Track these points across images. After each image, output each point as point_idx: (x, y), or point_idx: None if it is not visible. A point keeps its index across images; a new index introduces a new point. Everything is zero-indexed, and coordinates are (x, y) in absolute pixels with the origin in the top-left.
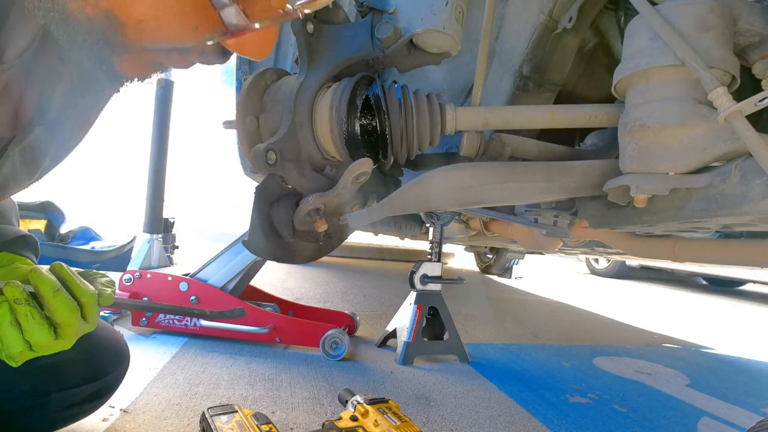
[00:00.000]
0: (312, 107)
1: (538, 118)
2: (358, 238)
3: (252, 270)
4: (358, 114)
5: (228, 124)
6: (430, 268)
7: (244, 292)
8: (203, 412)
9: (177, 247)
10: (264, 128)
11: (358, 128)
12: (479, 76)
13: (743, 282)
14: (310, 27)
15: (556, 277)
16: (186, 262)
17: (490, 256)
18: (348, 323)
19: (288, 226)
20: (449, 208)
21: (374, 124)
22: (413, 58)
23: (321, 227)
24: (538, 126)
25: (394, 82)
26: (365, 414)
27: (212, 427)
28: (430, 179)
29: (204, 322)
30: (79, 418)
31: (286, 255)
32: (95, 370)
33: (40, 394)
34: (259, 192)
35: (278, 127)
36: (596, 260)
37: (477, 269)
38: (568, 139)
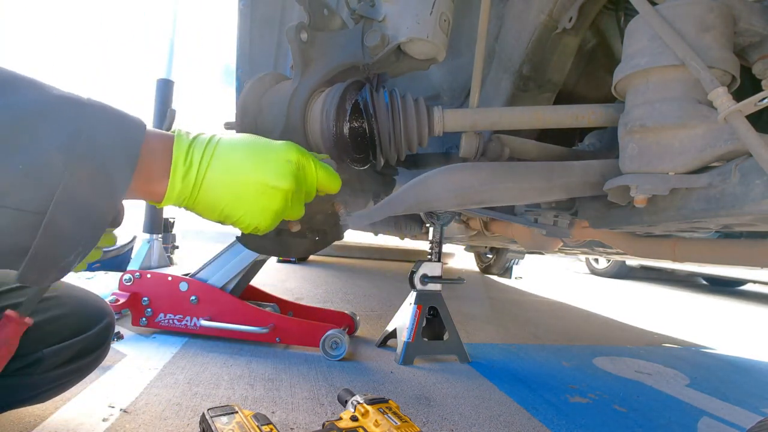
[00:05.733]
0: (304, 112)
1: (525, 118)
2: (359, 238)
3: (252, 270)
4: (348, 118)
5: (229, 125)
6: (430, 268)
7: (244, 292)
8: (203, 413)
9: (177, 247)
10: (261, 131)
11: (347, 131)
12: (476, 77)
13: (743, 282)
14: (303, 35)
15: (556, 277)
16: (186, 262)
17: (490, 256)
18: (348, 323)
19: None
20: (450, 208)
21: (363, 126)
22: (402, 64)
23: (294, 228)
24: (526, 126)
25: (383, 87)
26: (365, 414)
27: (212, 428)
28: (431, 179)
29: (204, 322)
30: (74, 382)
31: (279, 250)
32: (81, 325)
33: (32, 351)
34: None
35: (272, 130)
36: (596, 260)
37: (477, 269)
38: (568, 139)
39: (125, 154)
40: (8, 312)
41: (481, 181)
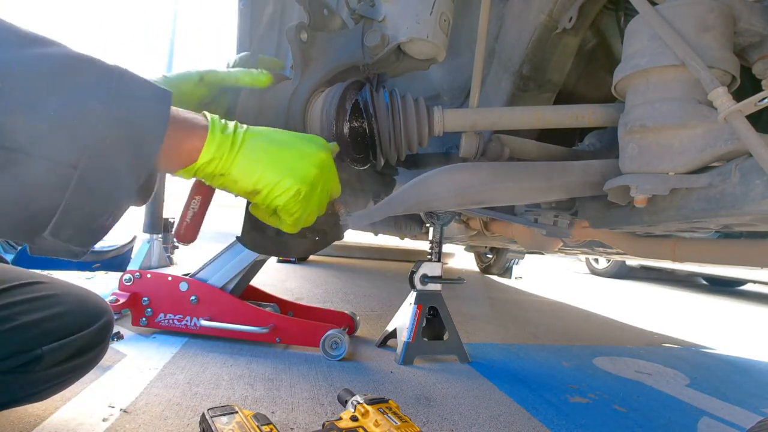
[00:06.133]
0: (304, 112)
1: (525, 118)
2: (359, 238)
3: (252, 270)
4: (347, 117)
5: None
6: (430, 268)
7: (244, 292)
8: (203, 413)
9: (177, 247)
10: None
11: (347, 131)
12: (476, 77)
13: (743, 282)
14: (303, 35)
15: (556, 277)
16: (186, 262)
17: (490, 256)
18: (348, 323)
19: None
20: (450, 208)
21: (364, 126)
22: (402, 64)
23: None
24: (525, 126)
25: (383, 87)
26: (365, 414)
27: (212, 428)
28: (431, 179)
29: (204, 322)
30: (73, 380)
31: (279, 249)
32: (80, 322)
33: (32, 348)
34: None
35: None
36: (596, 260)
37: (477, 269)
38: (568, 139)
39: (158, 114)
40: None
41: (482, 181)
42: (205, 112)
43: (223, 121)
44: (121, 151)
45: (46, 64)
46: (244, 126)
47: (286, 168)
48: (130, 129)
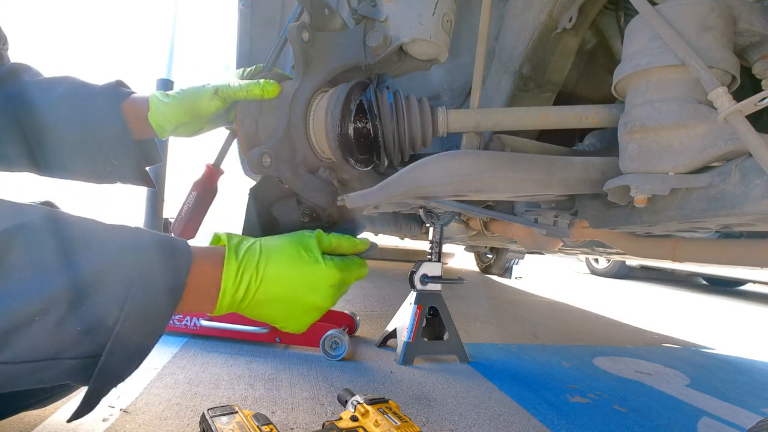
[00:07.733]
0: (306, 112)
1: (529, 119)
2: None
3: None
4: (352, 118)
5: (230, 125)
6: (430, 268)
7: None
8: (203, 413)
9: None
10: (262, 131)
11: (352, 131)
12: (477, 77)
13: (743, 282)
14: (305, 35)
15: (556, 277)
16: None
17: (490, 256)
18: (348, 323)
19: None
20: (447, 195)
21: (368, 127)
22: (404, 64)
23: None
24: (529, 127)
25: (387, 87)
26: (365, 414)
27: (212, 428)
28: (430, 164)
29: (204, 322)
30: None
31: None
32: None
33: None
34: (253, 193)
35: (275, 130)
36: (596, 260)
37: (477, 269)
38: (567, 140)
39: (170, 295)
40: (207, 163)
41: (481, 169)
42: (224, 271)
43: (237, 280)
44: (136, 338)
45: (72, 279)
46: (261, 270)
47: (286, 322)
48: (143, 320)
